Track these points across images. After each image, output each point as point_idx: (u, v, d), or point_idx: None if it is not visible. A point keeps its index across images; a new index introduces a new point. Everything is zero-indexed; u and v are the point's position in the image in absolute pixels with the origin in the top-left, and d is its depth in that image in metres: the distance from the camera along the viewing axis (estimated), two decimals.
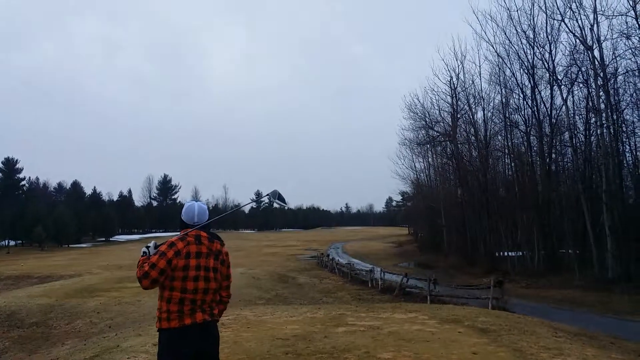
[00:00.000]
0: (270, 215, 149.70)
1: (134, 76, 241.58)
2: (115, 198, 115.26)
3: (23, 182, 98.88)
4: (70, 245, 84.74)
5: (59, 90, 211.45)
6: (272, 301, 19.04)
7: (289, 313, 10.79)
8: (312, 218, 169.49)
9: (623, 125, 28.69)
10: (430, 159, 56.47)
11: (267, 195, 3.86)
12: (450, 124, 43.59)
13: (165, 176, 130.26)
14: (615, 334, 9.96)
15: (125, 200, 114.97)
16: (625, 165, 29.34)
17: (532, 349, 6.72)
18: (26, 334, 14.15)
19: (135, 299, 18.23)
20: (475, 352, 6.56)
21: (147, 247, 3.45)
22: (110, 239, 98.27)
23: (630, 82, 27.81)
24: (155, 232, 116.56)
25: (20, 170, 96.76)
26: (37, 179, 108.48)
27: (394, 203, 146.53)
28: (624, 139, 29.07)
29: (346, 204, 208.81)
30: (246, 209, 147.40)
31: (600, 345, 7.71)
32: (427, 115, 46.18)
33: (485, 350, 6.65)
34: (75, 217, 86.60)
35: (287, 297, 21.33)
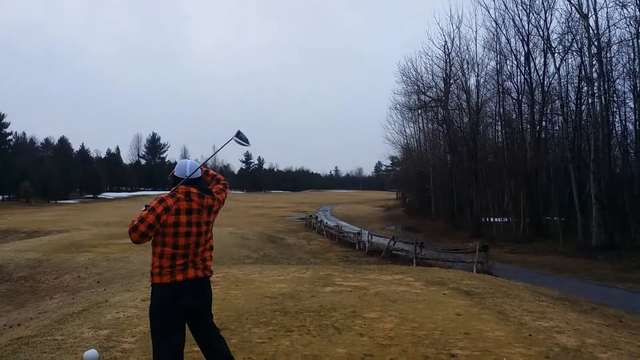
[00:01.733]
0: (259, 176, 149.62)
1: (119, 33, 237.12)
2: (103, 155, 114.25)
3: (10, 137, 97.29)
4: (57, 201, 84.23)
5: (46, 46, 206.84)
6: (261, 260, 19.20)
7: (277, 272, 10.88)
8: (301, 181, 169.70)
9: (614, 95, 28.75)
10: (421, 124, 56.38)
11: (232, 138, 3.77)
12: (443, 89, 43.34)
13: (154, 134, 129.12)
14: (597, 300, 10.17)
15: (114, 157, 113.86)
16: (615, 135, 29.53)
17: (515, 312, 6.84)
18: (14, 288, 14.17)
19: (124, 255, 18.28)
20: (459, 313, 6.67)
21: (147, 205, 3.42)
22: (98, 196, 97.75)
23: (624, 52, 27.69)
24: (144, 190, 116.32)
25: (6, 125, 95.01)
26: (24, 134, 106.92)
27: (383, 168, 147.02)
28: (614, 109, 29.17)
29: (336, 168, 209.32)
30: (235, 170, 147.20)
31: (582, 310, 7.87)
32: (419, 79, 45.88)
33: (469, 312, 6.75)
34: (62, 173, 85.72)
35: (275, 257, 21.52)
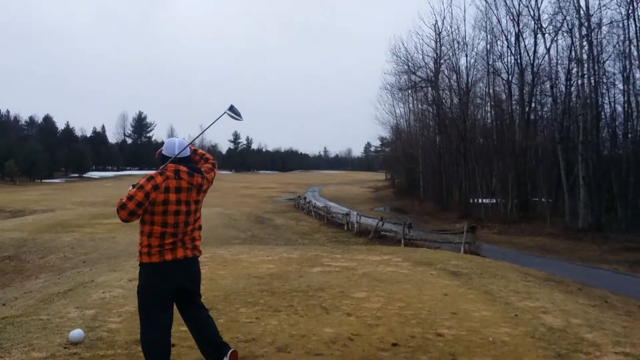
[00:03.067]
0: (247, 156, 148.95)
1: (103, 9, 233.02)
2: (88, 134, 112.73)
3: None
4: (42, 181, 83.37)
5: (28, 22, 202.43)
6: (248, 241, 19.17)
7: (265, 253, 10.86)
8: (290, 161, 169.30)
9: (604, 77, 28.85)
10: (410, 105, 56.36)
11: (224, 112, 3.69)
12: (433, 69, 43.21)
13: (140, 113, 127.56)
14: (583, 281, 10.27)
15: (99, 136, 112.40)
16: (603, 117, 29.71)
17: (502, 292, 6.88)
18: None
19: (110, 235, 18.16)
20: (446, 293, 6.70)
21: (134, 185, 3.34)
22: (84, 176, 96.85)
23: (614, 33, 27.74)
24: (130, 169, 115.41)
25: None
26: (8, 112, 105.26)
27: (372, 148, 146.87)
28: (604, 91, 29.33)
29: (325, 148, 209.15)
30: (223, 150, 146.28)
31: (568, 290, 7.95)
32: (410, 59, 45.66)
33: (456, 292, 6.79)
34: (47, 152, 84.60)
35: (263, 237, 21.50)
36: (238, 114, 3.69)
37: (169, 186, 3.31)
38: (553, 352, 4.26)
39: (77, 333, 4.54)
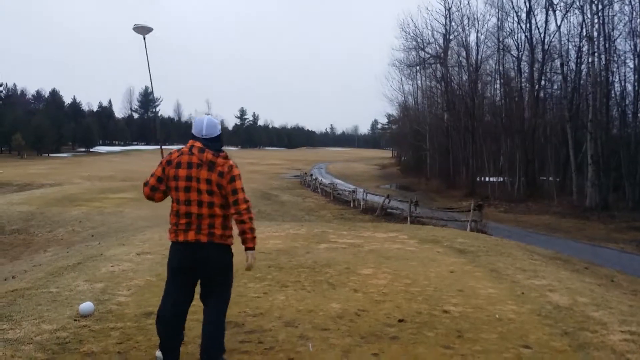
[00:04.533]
0: (253, 132, 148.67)
1: None
2: (95, 109, 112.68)
3: (0, 89, 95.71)
4: (49, 155, 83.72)
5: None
6: (255, 217, 19.14)
7: (271, 229, 10.89)
8: (296, 138, 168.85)
9: (614, 54, 28.41)
10: (419, 82, 55.82)
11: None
12: (442, 45, 42.67)
13: (147, 88, 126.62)
14: (590, 259, 10.28)
15: (106, 111, 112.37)
16: (613, 95, 29.34)
17: (509, 270, 6.89)
18: (7, 241, 14.18)
19: (118, 209, 18.28)
20: (452, 270, 6.72)
21: None
22: (91, 150, 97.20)
23: (626, 10, 27.21)
24: (137, 144, 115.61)
25: None
26: (15, 85, 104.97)
27: (379, 126, 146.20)
28: (614, 69, 28.92)
29: (331, 125, 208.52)
30: (229, 126, 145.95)
31: (574, 269, 7.95)
32: (419, 35, 45.10)
33: (462, 270, 6.80)
34: (54, 126, 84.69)
35: (270, 214, 21.57)
36: (143, 27, 3.60)
37: (181, 161, 3.31)
38: (559, 330, 4.27)
39: (87, 306, 4.59)
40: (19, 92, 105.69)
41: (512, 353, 3.72)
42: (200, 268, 3.35)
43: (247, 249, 3.42)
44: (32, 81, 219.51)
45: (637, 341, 4.02)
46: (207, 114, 3.63)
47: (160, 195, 3.41)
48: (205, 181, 3.28)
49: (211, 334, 3.33)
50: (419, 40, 45.13)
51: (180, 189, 3.30)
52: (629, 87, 29.39)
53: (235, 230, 3.42)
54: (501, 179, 36.22)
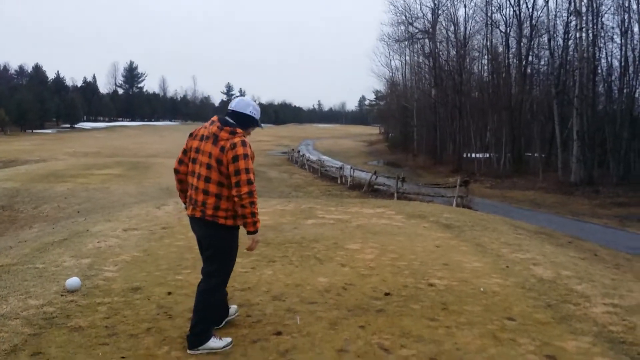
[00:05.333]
0: None
1: None
2: (79, 84, 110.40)
3: None
4: (33, 131, 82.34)
5: None
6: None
7: (259, 206, 10.71)
8: (283, 114, 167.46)
9: (602, 30, 28.46)
10: (407, 57, 55.54)
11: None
12: (431, 20, 42.39)
13: (131, 63, 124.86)
14: (573, 234, 10.44)
15: (90, 86, 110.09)
16: (600, 71, 29.46)
17: (493, 245, 6.98)
18: None
19: (103, 185, 18.13)
20: (438, 245, 6.79)
21: None
22: (75, 126, 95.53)
23: None
24: (122, 120, 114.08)
25: None
26: None
27: (366, 102, 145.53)
28: (601, 45, 28.98)
29: (319, 102, 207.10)
30: (215, 101, 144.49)
31: (558, 243, 8.07)
32: (407, 10, 44.71)
33: (448, 244, 6.88)
34: (37, 101, 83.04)
35: (257, 190, 21.48)
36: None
37: (197, 134, 3.39)
38: (543, 303, 4.35)
39: (73, 281, 4.57)
40: (1, 67, 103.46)
41: (496, 325, 3.79)
42: (202, 240, 3.47)
43: (248, 232, 3.39)
44: (15, 56, 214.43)
45: (619, 313, 4.11)
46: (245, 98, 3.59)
47: (184, 168, 3.46)
48: (208, 154, 3.25)
49: (195, 305, 3.37)
50: (407, 14, 44.77)
51: (191, 159, 3.36)
52: (616, 63, 29.59)
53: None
54: (487, 155, 36.48)
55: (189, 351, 3.27)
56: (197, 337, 3.27)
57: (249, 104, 3.43)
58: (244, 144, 3.23)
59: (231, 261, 3.52)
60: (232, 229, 3.38)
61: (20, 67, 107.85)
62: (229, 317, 3.75)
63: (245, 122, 3.39)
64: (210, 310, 3.37)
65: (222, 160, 3.20)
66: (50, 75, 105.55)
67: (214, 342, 3.30)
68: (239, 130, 3.28)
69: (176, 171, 3.53)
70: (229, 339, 3.38)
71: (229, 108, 3.40)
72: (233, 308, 3.84)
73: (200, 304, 3.33)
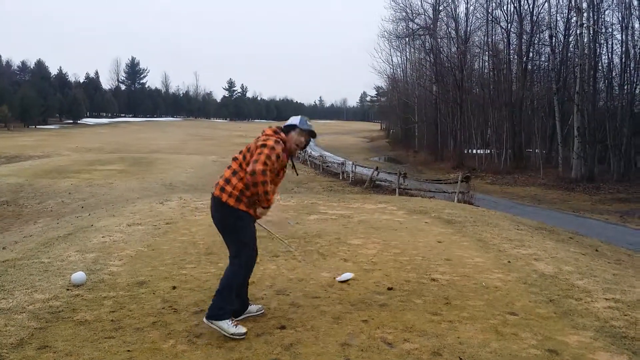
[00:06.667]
0: (242, 105, 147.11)
1: None
2: (82, 80, 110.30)
3: None
4: (36, 127, 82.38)
5: None
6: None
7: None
8: (284, 110, 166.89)
9: (603, 26, 28.39)
10: (408, 54, 55.52)
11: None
12: (432, 16, 42.33)
13: (133, 59, 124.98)
14: (575, 230, 10.45)
15: (93, 82, 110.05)
16: (600, 68, 29.39)
17: (495, 240, 7.00)
18: None
19: (107, 181, 18.18)
20: (440, 240, 6.82)
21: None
22: (78, 122, 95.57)
23: None
24: (125, 116, 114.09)
25: None
26: (0, 56, 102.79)
27: (368, 98, 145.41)
28: (602, 41, 28.93)
29: (320, 98, 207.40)
30: (217, 98, 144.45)
31: (560, 239, 8.09)
32: (408, 6, 44.70)
33: (450, 240, 6.91)
34: (40, 97, 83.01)
35: None
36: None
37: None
38: (545, 298, 4.38)
39: (79, 275, 4.62)
40: (4, 63, 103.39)
41: (498, 319, 3.82)
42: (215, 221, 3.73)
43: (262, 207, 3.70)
44: (17, 52, 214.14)
45: (620, 308, 4.13)
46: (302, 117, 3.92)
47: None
48: (244, 152, 3.60)
49: (223, 275, 3.62)
50: (408, 11, 44.76)
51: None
52: (616, 60, 29.50)
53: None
54: (488, 151, 36.46)
55: (203, 319, 3.49)
56: (212, 310, 3.45)
57: (299, 118, 3.83)
58: (277, 142, 3.54)
59: (245, 242, 3.64)
60: (233, 209, 3.54)
61: (23, 63, 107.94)
62: (250, 314, 3.82)
63: (288, 128, 3.75)
64: (227, 290, 3.50)
65: (252, 149, 3.54)
66: (53, 71, 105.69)
67: (227, 325, 3.41)
68: (282, 133, 3.66)
69: None
70: (243, 330, 3.45)
71: (287, 124, 3.80)
72: (256, 307, 3.91)
73: (223, 281, 3.55)
